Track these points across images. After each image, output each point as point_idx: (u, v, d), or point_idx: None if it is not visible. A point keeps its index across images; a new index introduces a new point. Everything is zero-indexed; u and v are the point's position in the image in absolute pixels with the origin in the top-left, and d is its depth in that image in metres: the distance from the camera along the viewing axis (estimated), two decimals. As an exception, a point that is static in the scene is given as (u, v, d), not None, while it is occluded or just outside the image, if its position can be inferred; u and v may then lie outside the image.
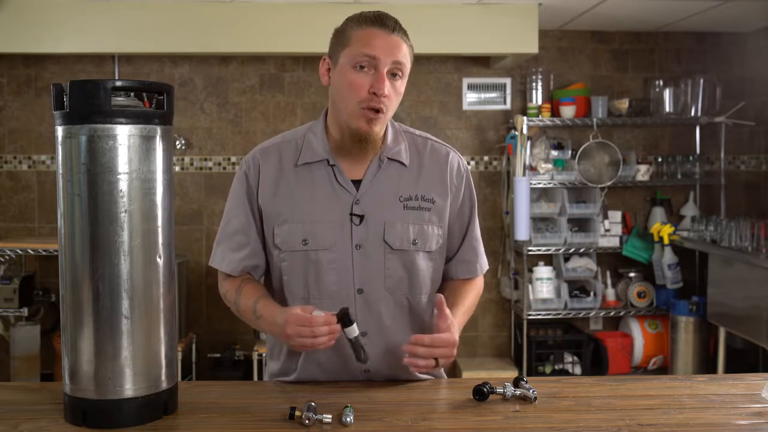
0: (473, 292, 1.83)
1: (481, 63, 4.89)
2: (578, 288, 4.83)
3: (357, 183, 1.70)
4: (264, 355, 4.31)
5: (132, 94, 1.41)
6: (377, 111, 1.61)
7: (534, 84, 4.77)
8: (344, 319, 1.53)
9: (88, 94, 1.35)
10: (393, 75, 1.62)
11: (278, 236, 1.70)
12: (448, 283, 1.85)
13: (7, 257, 4.36)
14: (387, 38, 1.61)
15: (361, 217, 1.68)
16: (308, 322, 1.52)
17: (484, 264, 1.86)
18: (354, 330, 1.55)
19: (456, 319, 1.65)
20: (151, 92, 1.44)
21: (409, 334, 1.72)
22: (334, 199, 1.69)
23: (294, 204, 1.69)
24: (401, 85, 1.65)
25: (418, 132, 1.81)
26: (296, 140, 1.75)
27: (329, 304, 1.64)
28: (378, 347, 1.69)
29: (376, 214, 1.68)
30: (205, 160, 4.83)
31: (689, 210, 4.90)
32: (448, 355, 1.59)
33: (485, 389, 1.55)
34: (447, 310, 1.62)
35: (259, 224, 1.74)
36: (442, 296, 1.65)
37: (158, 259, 1.43)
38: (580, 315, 4.75)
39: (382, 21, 1.62)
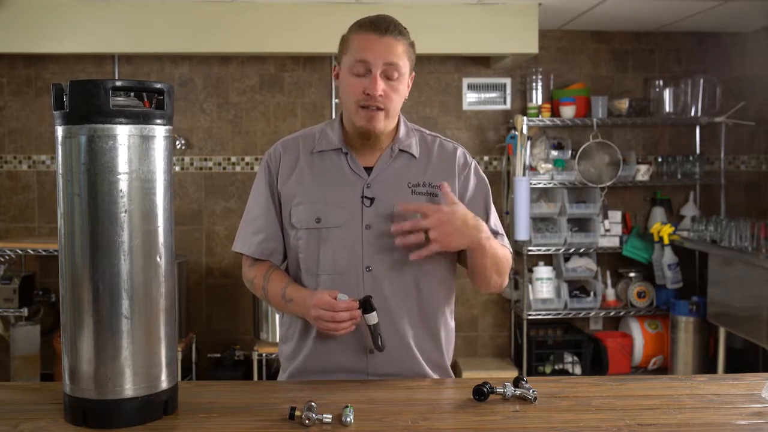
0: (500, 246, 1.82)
1: (481, 63, 4.89)
2: (578, 288, 4.83)
3: (368, 170, 1.81)
4: (264, 355, 4.32)
5: (132, 94, 1.41)
6: (378, 109, 1.71)
7: (534, 84, 4.77)
8: (365, 305, 1.65)
9: (88, 94, 1.35)
10: (387, 76, 1.72)
11: (294, 216, 1.80)
12: None
13: (7, 257, 4.36)
14: (379, 41, 1.71)
15: (372, 200, 1.77)
16: (330, 306, 1.63)
17: (506, 243, 1.85)
18: (374, 317, 1.66)
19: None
20: (151, 92, 1.44)
21: (415, 320, 1.79)
22: (346, 183, 1.79)
23: (309, 186, 1.80)
24: (399, 83, 1.74)
25: (428, 131, 1.91)
26: (315, 133, 1.87)
27: (339, 281, 1.74)
28: (383, 328, 1.72)
29: (385, 197, 1.78)
30: (205, 160, 4.83)
31: (689, 210, 4.90)
32: (438, 225, 1.65)
33: (485, 389, 1.55)
34: (451, 197, 1.70)
35: (278, 210, 1.84)
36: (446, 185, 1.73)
37: (158, 259, 1.43)
38: (580, 315, 4.75)
39: (375, 25, 1.73)
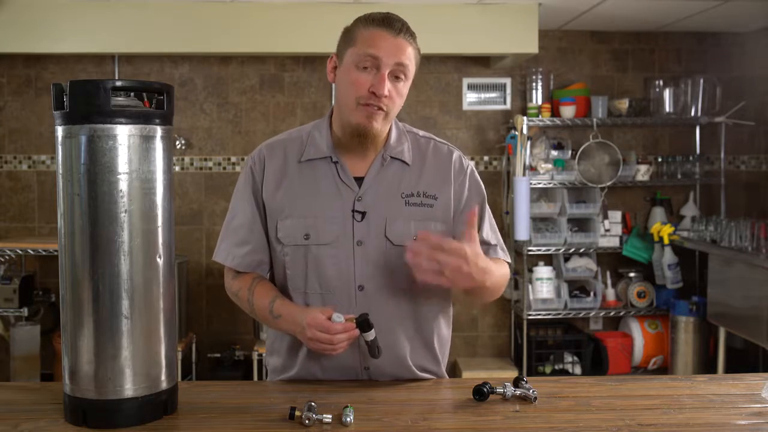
0: (495, 263, 1.73)
1: (481, 63, 4.89)
2: (578, 288, 4.83)
3: (359, 180, 1.72)
4: (264, 354, 4.32)
5: (132, 94, 1.41)
6: (378, 108, 1.63)
7: (534, 84, 4.77)
8: (363, 325, 1.57)
9: (88, 94, 1.35)
10: (396, 77, 1.64)
11: (281, 230, 1.71)
12: None
13: (7, 257, 4.36)
14: (392, 40, 1.63)
15: (363, 214, 1.69)
16: (327, 329, 1.55)
17: (501, 255, 1.79)
18: (372, 334, 1.59)
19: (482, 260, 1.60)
20: (151, 92, 1.44)
21: (411, 335, 1.74)
22: (336, 196, 1.70)
23: (297, 199, 1.71)
24: (404, 86, 1.67)
25: (421, 132, 1.82)
26: (302, 137, 1.77)
27: (330, 301, 1.67)
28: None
29: (377, 211, 1.69)
30: (205, 160, 4.83)
31: (689, 210, 4.90)
32: (454, 266, 1.52)
33: (485, 389, 1.55)
34: (474, 232, 1.59)
35: (263, 219, 1.75)
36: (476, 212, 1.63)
37: (158, 259, 1.43)
38: (580, 315, 4.75)
39: (388, 23, 1.64)
